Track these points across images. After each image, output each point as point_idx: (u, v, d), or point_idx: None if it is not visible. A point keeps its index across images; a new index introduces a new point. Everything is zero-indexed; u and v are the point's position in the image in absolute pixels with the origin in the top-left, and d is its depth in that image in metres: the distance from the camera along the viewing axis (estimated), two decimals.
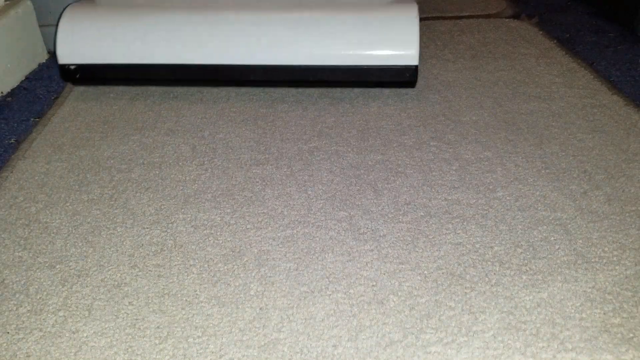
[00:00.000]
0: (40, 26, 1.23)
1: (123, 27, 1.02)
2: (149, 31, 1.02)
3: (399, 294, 0.61)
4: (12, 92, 1.11)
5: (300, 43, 0.99)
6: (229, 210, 0.74)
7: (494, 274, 0.63)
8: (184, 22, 1.02)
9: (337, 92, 1.03)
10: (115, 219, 0.73)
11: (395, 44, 0.97)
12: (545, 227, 0.69)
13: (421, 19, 1.16)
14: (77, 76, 1.04)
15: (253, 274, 0.64)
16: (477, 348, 0.54)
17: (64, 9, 1.06)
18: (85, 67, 1.04)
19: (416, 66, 0.98)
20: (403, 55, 0.97)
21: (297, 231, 0.70)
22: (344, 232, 0.70)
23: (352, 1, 1.04)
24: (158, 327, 0.58)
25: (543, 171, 0.80)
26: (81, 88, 1.09)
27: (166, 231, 0.71)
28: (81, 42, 1.02)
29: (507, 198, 0.75)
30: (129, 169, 0.84)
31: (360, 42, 0.98)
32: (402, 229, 0.70)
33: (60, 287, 0.63)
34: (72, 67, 1.03)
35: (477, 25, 1.31)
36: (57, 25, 1.04)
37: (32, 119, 1.00)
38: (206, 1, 1.07)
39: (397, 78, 0.99)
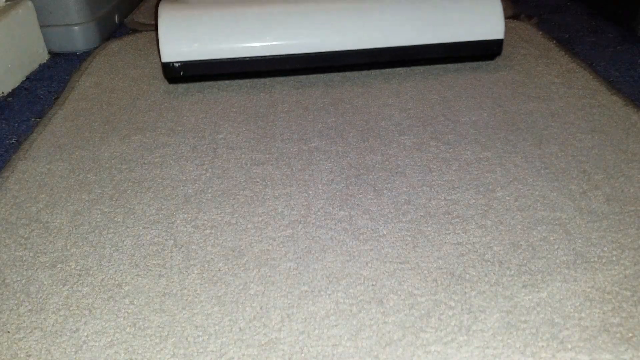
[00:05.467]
0: (40, 26, 1.23)
1: (229, 21, 1.04)
2: (256, 23, 1.04)
3: (399, 293, 0.61)
4: (13, 92, 1.11)
5: (392, 24, 1.05)
6: (229, 210, 0.74)
7: (494, 273, 0.63)
8: (290, 12, 1.05)
9: (337, 92, 1.04)
10: (115, 219, 0.74)
11: (482, 19, 1.08)
12: (544, 227, 0.69)
13: None
14: (181, 74, 1.04)
15: (253, 274, 0.64)
16: (477, 347, 0.54)
17: (158, 7, 1.06)
18: (190, 64, 1.04)
19: (502, 40, 1.10)
20: (490, 30, 1.08)
21: (297, 231, 0.70)
22: (343, 232, 0.70)
23: None
24: (159, 327, 0.58)
25: (542, 171, 0.80)
26: (81, 89, 1.09)
27: (167, 231, 0.71)
28: (185, 39, 1.03)
29: (507, 198, 0.75)
30: (130, 169, 0.84)
31: (447, 19, 1.07)
32: (401, 229, 0.70)
33: (61, 286, 0.64)
34: (177, 64, 1.03)
35: None
36: (156, 23, 1.05)
37: (32, 119, 1.00)
38: None
39: (484, 52, 1.11)
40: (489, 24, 1.08)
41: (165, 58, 1.04)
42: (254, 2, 1.07)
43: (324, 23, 1.05)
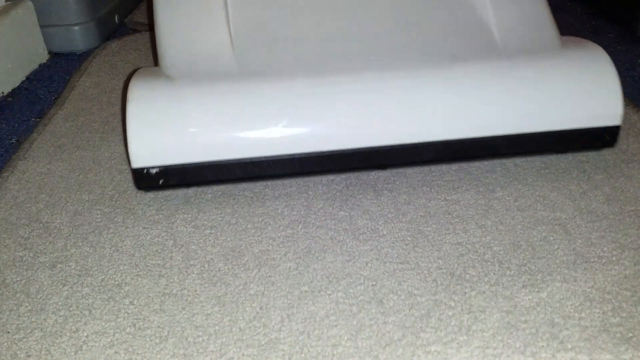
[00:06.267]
0: (40, 26, 1.23)
1: (231, 106, 0.72)
2: (273, 108, 0.72)
3: (399, 293, 0.61)
4: (13, 92, 1.11)
5: (478, 110, 0.75)
6: (229, 210, 0.74)
7: (494, 273, 0.63)
8: (320, 91, 0.73)
9: None
10: (115, 219, 0.74)
11: (590, 97, 0.76)
12: (544, 227, 0.69)
13: None
14: (161, 182, 0.74)
15: (253, 274, 0.64)
16: (477, 347, 0.54)
17: (129, 82, 0.74)
18: (173, 170, 0.73)
19: (619, 126, 0.78)
20: (602, 113, 0.77)
21: (297, 231, 0.70)
22: (343, 232, 0.70)
23: (515, 48, 0.79)
24: (158, 327, 0.58)
25: (542, 171, 0.80)
26: (81, 89, 1.09)
27: (167, 231, 0.71)
28: (167, 134, 0.71)
29: (507, 198, 0.75)
30: (130, 169, 0.84)
31: (543, 100, 0.75)
32: (401, 229, 0.70)
33: (61, 286, 0.64)
34: (154, 170, 0.73)
35: None
36: (124, 108, 0.76)
37: (32, 119, 1.01)
38: (329, 62, 0.77)
39: (592, 142, 0.79)
40: (600, 105, 0.76)
41: (137, 162, 0.71)
42: (267, 74, 0.75)
43: (370, 109, 0.73)
